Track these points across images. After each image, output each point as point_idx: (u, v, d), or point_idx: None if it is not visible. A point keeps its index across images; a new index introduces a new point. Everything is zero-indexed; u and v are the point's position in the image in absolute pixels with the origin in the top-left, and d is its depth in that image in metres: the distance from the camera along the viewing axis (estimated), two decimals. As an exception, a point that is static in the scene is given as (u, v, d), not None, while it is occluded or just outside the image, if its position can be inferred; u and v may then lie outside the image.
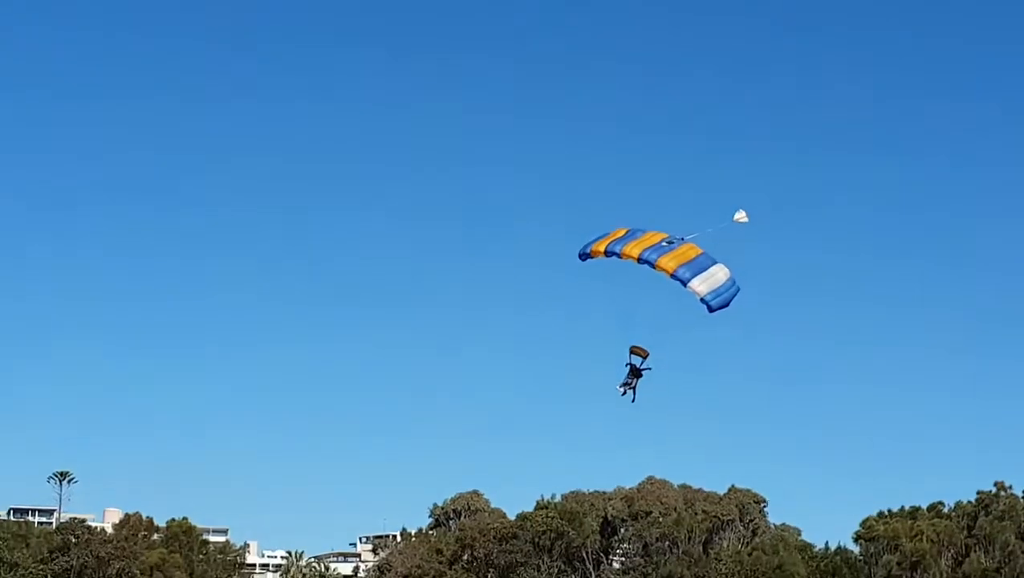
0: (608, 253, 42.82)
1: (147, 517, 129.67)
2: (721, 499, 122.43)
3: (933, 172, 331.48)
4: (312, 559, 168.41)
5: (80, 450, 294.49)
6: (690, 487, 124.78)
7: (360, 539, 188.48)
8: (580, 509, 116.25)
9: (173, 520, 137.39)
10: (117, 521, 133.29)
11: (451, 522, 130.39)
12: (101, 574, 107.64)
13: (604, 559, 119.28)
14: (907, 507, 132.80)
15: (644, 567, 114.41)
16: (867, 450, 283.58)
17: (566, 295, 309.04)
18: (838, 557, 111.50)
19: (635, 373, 44.15)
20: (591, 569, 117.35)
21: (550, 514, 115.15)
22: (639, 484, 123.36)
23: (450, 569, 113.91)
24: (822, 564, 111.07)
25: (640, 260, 42.46)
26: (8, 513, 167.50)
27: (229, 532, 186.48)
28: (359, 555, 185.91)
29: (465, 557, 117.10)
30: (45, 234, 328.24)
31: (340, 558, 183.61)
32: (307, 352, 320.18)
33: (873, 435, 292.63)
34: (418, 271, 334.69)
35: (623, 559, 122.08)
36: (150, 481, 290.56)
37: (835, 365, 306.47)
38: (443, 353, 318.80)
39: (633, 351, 46.03)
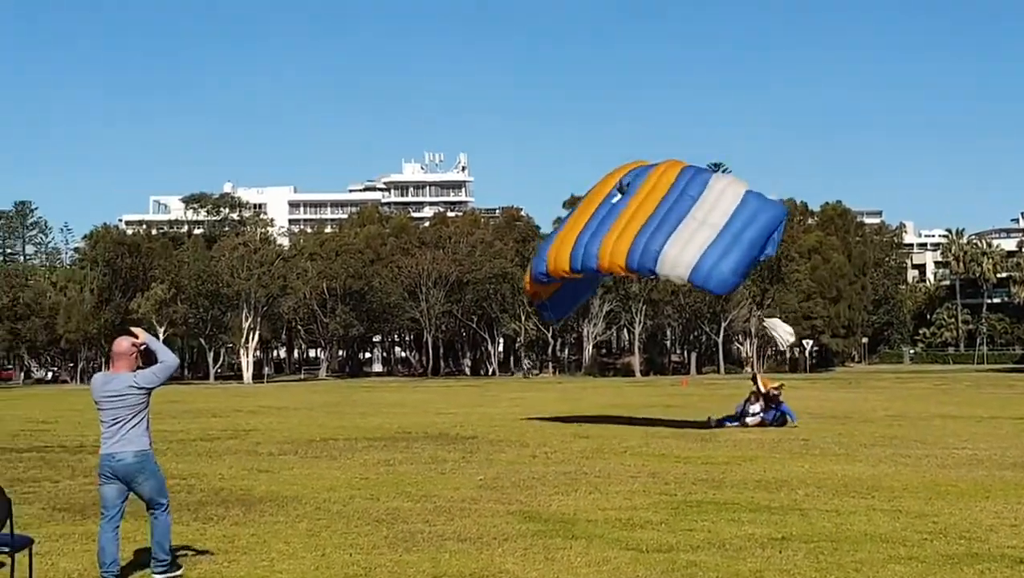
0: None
1: (801, 201, 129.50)
2: None
3: None
4: (973, 236, 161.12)
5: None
6: None
7: (1022, 214, 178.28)
8: None
9: (827, 204, 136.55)
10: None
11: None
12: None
13: None
14: None
15: None
16: None
17: None
18: None
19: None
20: None
21: None
22: None
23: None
24: None
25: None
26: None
27: (883, 213, 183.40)
28: (1023, 230, 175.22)
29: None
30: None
31: (1002, 234, 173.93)
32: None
33: None
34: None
35: None
36: (804, 168, 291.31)
37: None
38: None
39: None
